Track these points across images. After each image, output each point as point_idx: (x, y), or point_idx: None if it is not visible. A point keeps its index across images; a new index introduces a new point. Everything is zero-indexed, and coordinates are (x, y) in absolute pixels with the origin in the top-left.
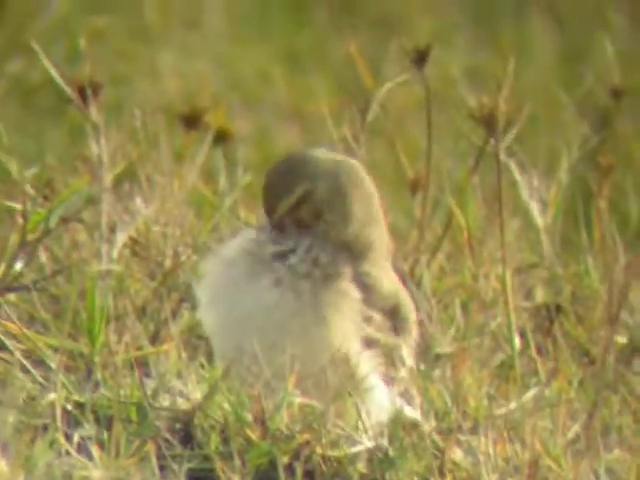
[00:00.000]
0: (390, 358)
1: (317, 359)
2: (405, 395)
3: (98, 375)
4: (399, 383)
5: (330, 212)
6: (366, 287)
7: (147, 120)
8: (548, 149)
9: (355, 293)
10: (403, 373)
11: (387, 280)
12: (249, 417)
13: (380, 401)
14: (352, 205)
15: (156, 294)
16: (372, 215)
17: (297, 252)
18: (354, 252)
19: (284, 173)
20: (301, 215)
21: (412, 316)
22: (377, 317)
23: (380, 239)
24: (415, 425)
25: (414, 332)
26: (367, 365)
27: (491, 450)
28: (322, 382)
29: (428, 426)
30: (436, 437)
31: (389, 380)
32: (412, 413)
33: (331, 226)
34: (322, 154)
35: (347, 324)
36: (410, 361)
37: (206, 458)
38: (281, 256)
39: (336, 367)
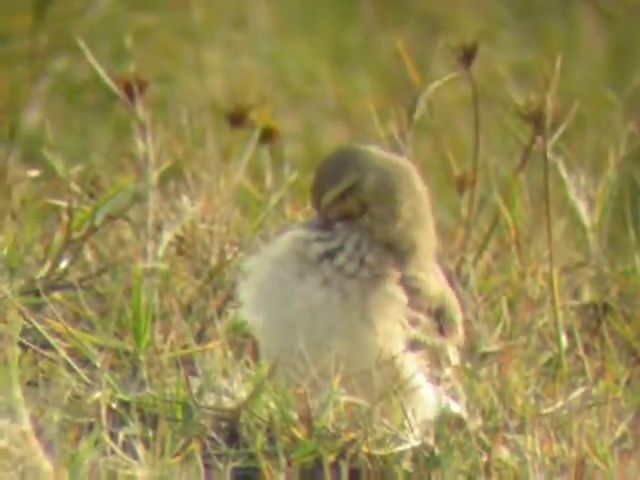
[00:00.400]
0: (436, 358)
1: (363, 360)
2: (451, 393)
3: (143, 374)
4: (445, 382)
5: (376, 206)
6: (412, 290)
7: (193, 118)
8: (595, 147)
9: (402, 296)
10: (448, 373)
11: (434, 283)
12: (295, 416)
13: (426, 400)
14: (400, 203)
15: (202, 292)
16: (420, 217)
17: (345, 249)
18: (399, 252)
19: (334, 164)
20: (347, 206)
21: (458, 317)
22: (423, 319)
23: (427, 241)
24: (461, 424)
25: (460, 332)
26: (413, 365)
27: (538, 449)
28: (368, 381)
29: (474, 425)
30: (482, 436)
31: (435, 380)
32: (458, 411)
33: (377, 221)
34: (376, 150)
35: (393, 326)
36: (456, 361)
37: (251, 457)
38: (328, 255)
39: (382, 367)
